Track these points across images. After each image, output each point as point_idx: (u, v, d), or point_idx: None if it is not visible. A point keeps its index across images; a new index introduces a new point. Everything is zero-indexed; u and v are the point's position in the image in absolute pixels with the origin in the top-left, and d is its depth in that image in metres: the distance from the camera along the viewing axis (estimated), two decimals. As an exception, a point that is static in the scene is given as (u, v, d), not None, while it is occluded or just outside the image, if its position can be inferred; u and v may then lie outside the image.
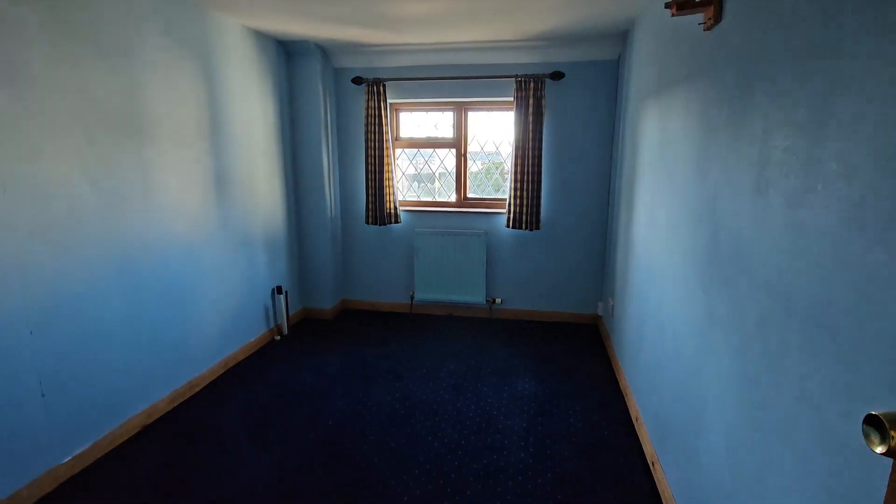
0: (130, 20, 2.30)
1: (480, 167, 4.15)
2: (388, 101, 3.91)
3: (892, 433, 0.62)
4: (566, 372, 3.13)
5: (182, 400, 2.74)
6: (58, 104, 1.97)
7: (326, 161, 3.90)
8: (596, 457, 2.27)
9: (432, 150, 4.09)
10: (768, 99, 1.22)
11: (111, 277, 2.26)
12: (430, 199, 4.20)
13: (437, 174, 4.16)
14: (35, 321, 1.92)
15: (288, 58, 3.71)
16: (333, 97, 3.98)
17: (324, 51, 3.77)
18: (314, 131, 3.80)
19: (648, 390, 2.31)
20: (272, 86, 3.55)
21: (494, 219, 3.97)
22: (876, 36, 0.84)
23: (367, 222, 4.00)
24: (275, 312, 3.69)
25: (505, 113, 3.90)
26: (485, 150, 4.05)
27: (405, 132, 4.12)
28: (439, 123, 4.03)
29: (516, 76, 3.55)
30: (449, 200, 4.13)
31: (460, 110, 3.93)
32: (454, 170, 4.05)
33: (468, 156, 4.02)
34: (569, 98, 3.67)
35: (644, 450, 2.30)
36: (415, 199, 4.23)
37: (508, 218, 3.78)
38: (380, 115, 3.77)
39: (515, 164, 3.65)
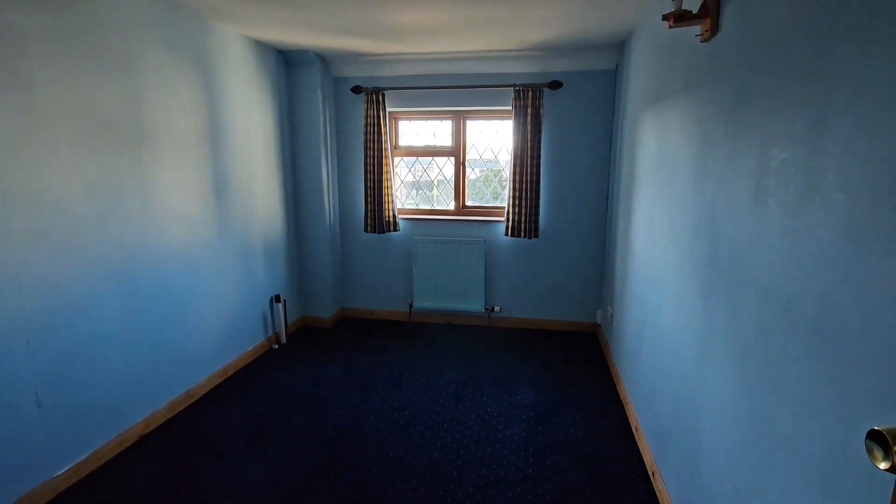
0: (132, 30, 2.32)
1: (479, 175, 4.16)
2: (388, 109, 3.93)
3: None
4: (565, 380, 3.13)
5: (180, 409, 2.72)
6: (58, 113, 1.98)
7: (325, 170, 3.91)
8: (595, 467, 2.26)
9: (431, 158, 4.10)
10: (766, 110, 1.24)
11: (109, 286, 2.25)
12: (428, 207, 4.21)
13: (435, 182, 4.17)
14: (32, 330, 1.91)
15: (288, 67, 3.73)
16: (333, 106, 4.00)
17: (324, 60, 3.79)
18: (313, 140, 3.81)
19: (648, 399, 2.31)
20: (272, 95, 3.56)
21: (493, 227, 3.97)
22: (873, 44, 0.85)
23: (366, 230, 4.01)
24: (273, 321, 3.67)
25: (503, 121, 3.93)
26: (483, 157, 4.06)
27: (404, 140, 4.14)
28: (438, 132, 4.05)
29: (514, 85, 3.58)
30: (448, 208, 4.14)
31: (459, 119, 3.95)
32: (453, 178, 4.06)
33: (467, 163, 4.03)
34: (567, 107, 3.69)
35: (644, 459, 2.29)
36: (413, 207, 4.24)
37: (507, 226, 3.79)
38: (379, 124, 3.79)
39: (514, 173, 3.67)
